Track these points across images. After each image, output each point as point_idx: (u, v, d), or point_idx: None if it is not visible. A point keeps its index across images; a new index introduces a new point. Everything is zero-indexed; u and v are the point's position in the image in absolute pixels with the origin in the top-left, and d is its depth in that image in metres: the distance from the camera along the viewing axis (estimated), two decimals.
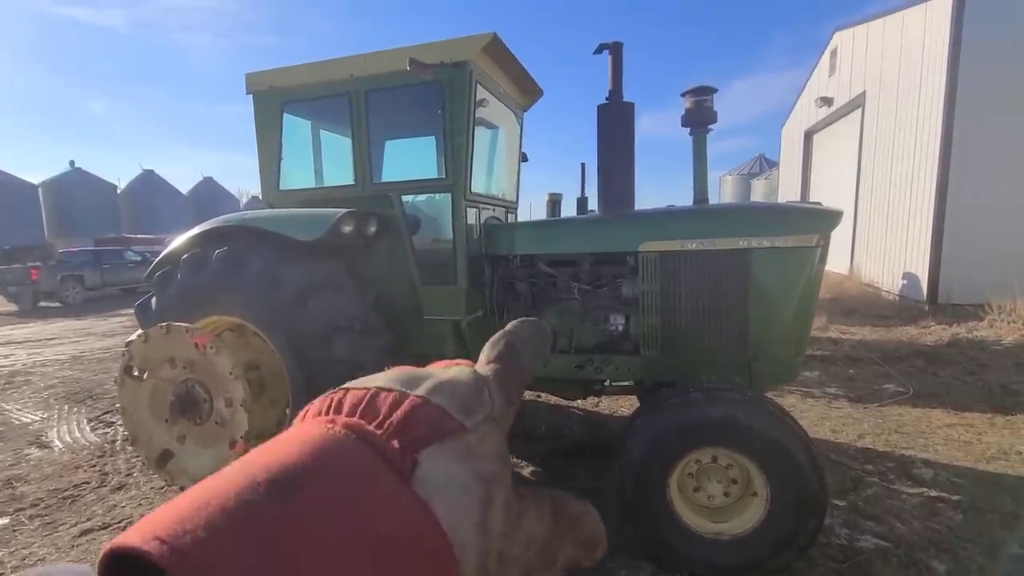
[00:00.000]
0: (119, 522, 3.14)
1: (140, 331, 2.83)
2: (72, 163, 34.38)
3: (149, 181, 37.69)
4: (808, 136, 17.80)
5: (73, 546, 2.93)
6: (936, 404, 4.88)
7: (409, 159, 4.39)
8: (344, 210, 2.98)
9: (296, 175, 3.71)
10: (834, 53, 14.76)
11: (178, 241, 3.26)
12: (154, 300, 3.18)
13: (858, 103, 12.93)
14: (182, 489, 3.09)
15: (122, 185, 37.30)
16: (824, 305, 10.31)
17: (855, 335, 7.90)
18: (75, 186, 33.17)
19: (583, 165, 5.37)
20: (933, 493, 3.28)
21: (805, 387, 5.57)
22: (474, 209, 3.45)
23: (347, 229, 3.06)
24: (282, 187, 3.60)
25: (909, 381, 5.57)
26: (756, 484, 2.43)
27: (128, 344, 2.84)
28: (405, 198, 3.47)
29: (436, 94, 3.14)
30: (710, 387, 2.51)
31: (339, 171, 3.57)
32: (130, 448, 4.11)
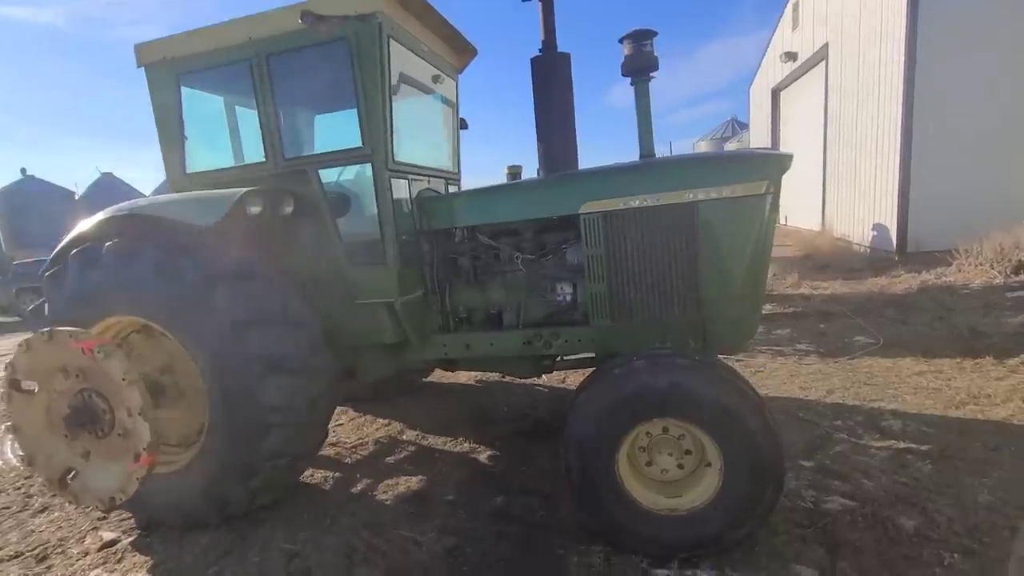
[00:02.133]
0: (33, 549, 2.86)
1: (22, 341, 2.52)
2: (23, 171, 32.78)
3: (110, 185, 35.97)
4: (775, 94, 17.62)
5: None
6: (906, 353, 4.79)
7: (344, 132, 4.05)
8: (244, 190, 2.67)
9: (209, 156, 3.37)
10: (796, 7, 14.49)
11: (68, 236, 2.92)
12: (47, 305, 2.85)
13: (822, 56, 12.73)
14: (99, 510, 2.86)
15: (80, 191, 35.80)
16: (796, 262, 10.26)
17: (826, 290, 7.82)
18: (30, 195, 31.67)
19: None
20: (902, 445, 3.15)
21: (776, 345, 5.45)
22: (402, 181, 3.15)
23: (254, 210, 2.75)
24: (189, 169, 3.26)
25: (879, 332, 5.48)
26: (710, 454, 2.24)
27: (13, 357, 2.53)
28: (329, 175, 3.16)
29: (343, 53, 2.81)
30: (654, 354, 2.30)
31: (256, 148, 3.22)
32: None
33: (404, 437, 3.95)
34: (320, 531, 2.77)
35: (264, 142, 3.03)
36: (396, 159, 3.06)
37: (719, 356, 3.92)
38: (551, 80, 3.24)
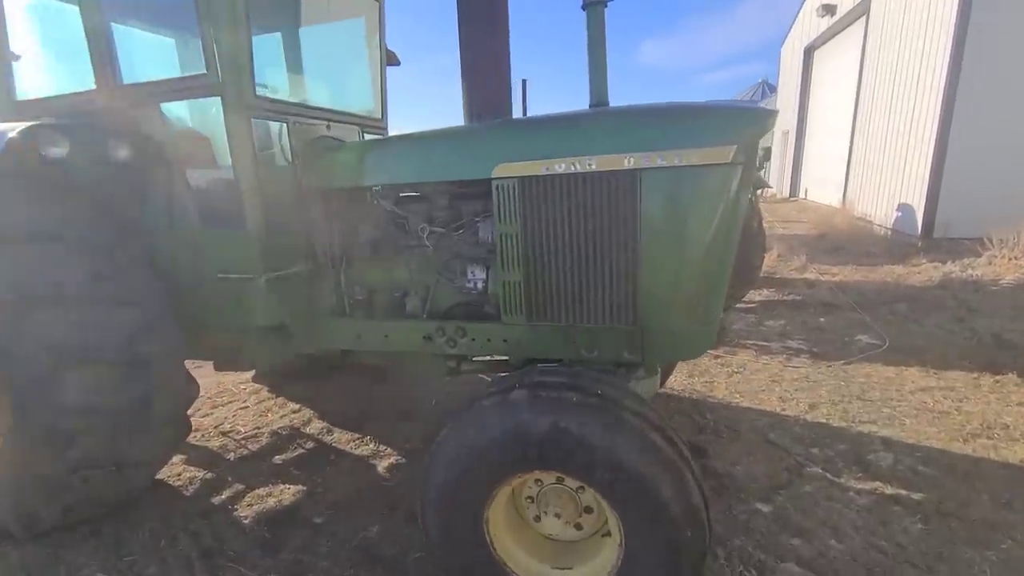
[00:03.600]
0: None
1: None
2: None
3: None
4: (808, 53, 16.12)
5: None
6: (913, 360, 4.09)
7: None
8: (25, 124, 2.01)
9: (45, 80, 2.69)
10: None
11: None
12: None
13: (863, 9, 11.34)
14: None
15: None
16: (808, 242, 9.40)
17: (835, 276, 7.03)
18: None
19: (524, 82, 4.26)
20: (888, 490, 2.53)
21: (763, 340, 4.77)
22: (277, 123, 2.46)
23: (57, 152, 2.10)
24: (19, 97, 2.60)
25: (887, 331, 4.77)
26: (610, 522, 1.64)
27: None
28: (182, 111, 2.49)
29: None
30: (543, 380, 1.67)
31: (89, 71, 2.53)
32: None
33: (308, 429, 3.42)
34: (149, 554, 2.26)
35: (93, 63, 2.34)
36: (265, 94, 2.37)
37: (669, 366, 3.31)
38: (481, 5, 2.48)
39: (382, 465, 2.95)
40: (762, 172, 12.63)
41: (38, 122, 2.06)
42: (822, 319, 5.30)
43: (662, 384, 3.42)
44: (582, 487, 1.69)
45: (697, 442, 2.97)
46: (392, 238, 2.65)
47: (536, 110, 2.71)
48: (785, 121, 17.72)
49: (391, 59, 3.39)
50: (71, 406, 2.03)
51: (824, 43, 14.96)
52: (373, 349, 2.63)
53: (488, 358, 2.60)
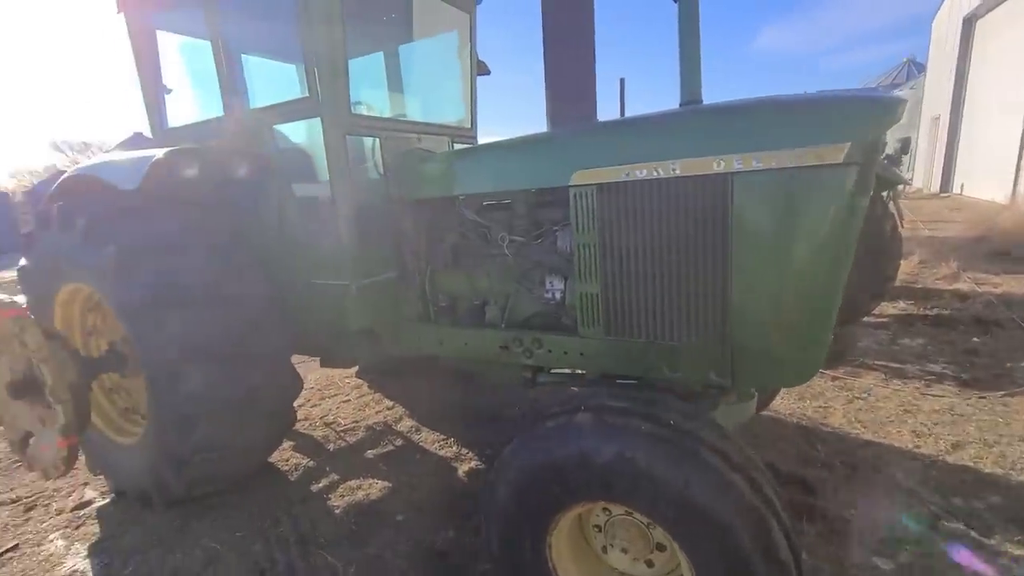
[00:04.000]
0: (30, 497, 3.00)
1: None
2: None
3: (135, 143, 33.77)
4: (968, 24, 13.75)
5: None
6: None
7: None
8: (165, 150, 2.32)
9: (188, 110, 3.11)
10: None
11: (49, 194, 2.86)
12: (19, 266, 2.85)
13: None
14: (46, 475, 2.84)
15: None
16: (962, 245, 8.01)
17: (996, 287, 5.90)
18: None
19: (622, 81, 4.13)
20: None
21: (897, 361, 4.13)
22: (370, 139, 2.61)
23: (190, 173, 2.41)
24: (170, 124, 3.03)
25: None
26: (682, 565, 1.49)
27: None
28: (291, 132, 2.74)
29: None
30: (610, 404, 1.56)
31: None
32: None
33: (399, 426, 3.59)
34: (254, 533, 2.52)
35: (222, 92, 2.66)
36: (360, 111, 2.52)
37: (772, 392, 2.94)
38: (567, 5, 2.43)
39: (463, 469, 3.00)
40: (902, 168, 11.00)
41: (176, 147, 2.37)
42: (976, 339, 4.47)
43: (763, 408, 3.09)
44: (652, 523, 1.57)
45: (803, 476, 2.64)
46: (474, 247, 2.68)
47: (636, 110, 2.58)
48: (936, 105, 15.32)
49: (481, 69, 3.45)
50: (193, 395, 2.32)
51: (990, 10, 12.66)
52: (453, 355, 2.69)
53: (565, 371, 2.53)
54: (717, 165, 1.79)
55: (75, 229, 2.37)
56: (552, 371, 2.54)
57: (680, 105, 2.23)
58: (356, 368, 4.49)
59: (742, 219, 1.79)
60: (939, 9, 16.11)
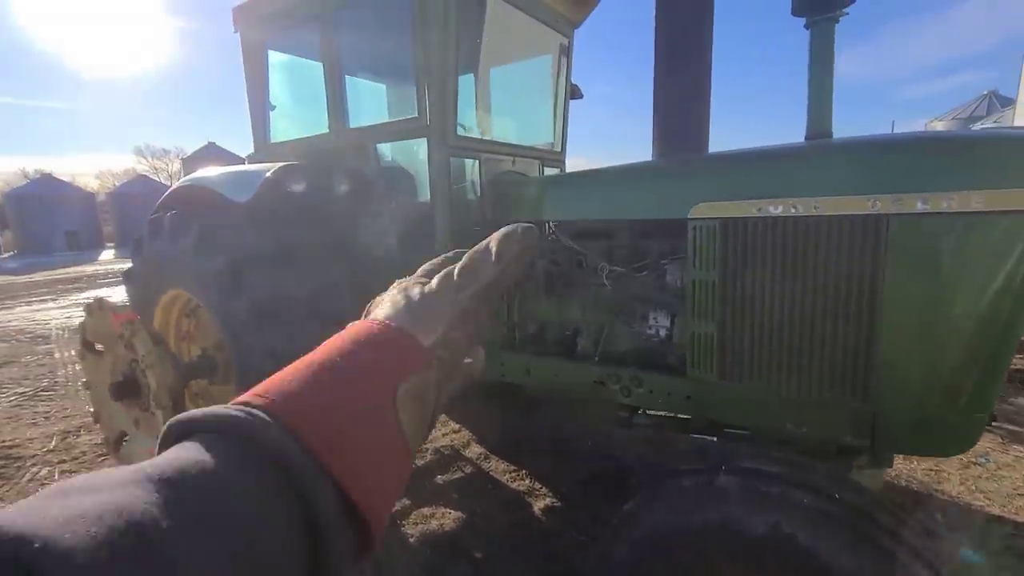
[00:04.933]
0: None
1: (86, 304, 2.60)
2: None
3: (211, 152, 30.95)
4: None
5: None
6: None
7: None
8: (277, 165, 2.36)
9: (291, 126, 3.20)
10: None
11: (158, 203, 2.98)
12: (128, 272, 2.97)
13: None
14: None
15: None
16: None
17: None
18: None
19: None
20: None
21: (1013, 423, 3.71)
22: (472, 160, 2.58)
23: (297, 188, 2.44)
24: (273, 140, 3.12)
25: None
26: None
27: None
28: (396, 152, 2.75)
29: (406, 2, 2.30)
30: (759, 468, 1.40)
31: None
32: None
33: (467, 452, 3.50)
34: None
35: (328, 110, 2.71)
36: (464, 133, 2.50)
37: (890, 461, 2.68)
38: (682, 22, 2.34)
39: (538, 505, 2.86)
40: None
41: (286, 163, 2.42)
42: None
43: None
44: None
45: (930, 552, 2.34)
46: (568, 274, 2.58)
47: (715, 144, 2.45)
48: None
49: (574, 93, 3.40)
50: None
51: None
52: (541, 386, 2.58)
53: (666, 414, 2.37)
54: (871, 205, 1.62)
55: (187, 238, 2.44)
56: (649, 412, 2.39)
57: (806, 139, 2.08)
58: None
59: (898, 266, 1.61)
60: None
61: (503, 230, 0.57)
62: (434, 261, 0.63)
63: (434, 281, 0.54)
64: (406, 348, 0.47)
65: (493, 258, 0.54)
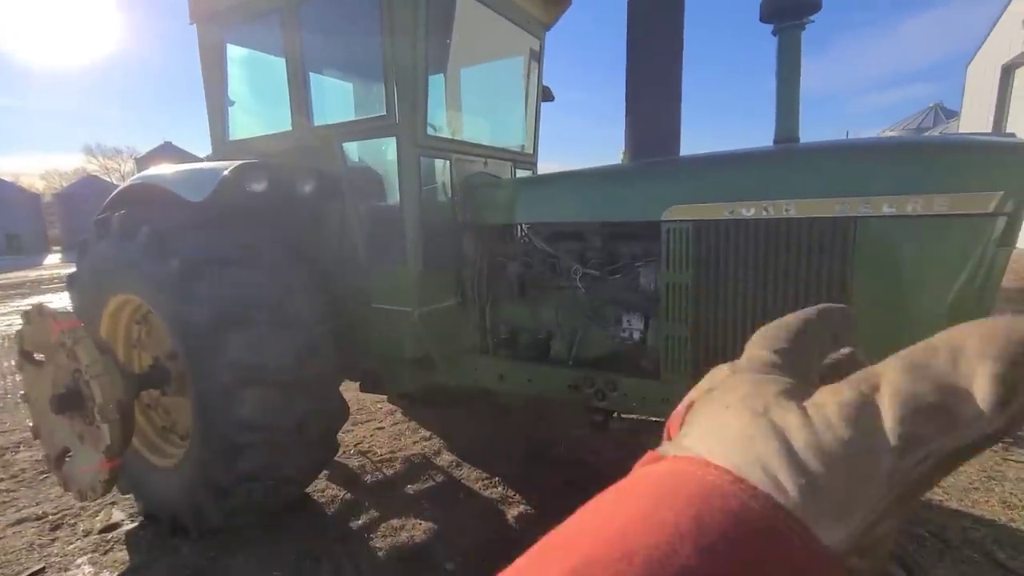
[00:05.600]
0: (57, 514, 2.86)
1: (24, 311, 2.41)
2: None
3: (166, 152, 30.46)
4: (1008, 72, 13.67)
5: None
6: None
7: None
8: (236, 163, 2.24)
9: (251, 123, 3.06)
10: None
11: (106, 202, 2.80)
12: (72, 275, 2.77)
13: None
14: (82, 497, 2.66)
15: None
16: (1013, 297, 7.71)
17: None
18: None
19: None
20: None
21: None
22: (442, 161, 2.52)
23: (257, 188, 2.32)
24: (232, 137, 2.98)
25: None
26: None
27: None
28: (362, 151, 2.66)
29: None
30: None
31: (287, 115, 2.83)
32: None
33: (439, 460, 3.41)
34: (292, 574, 2.33)
35: (291, 107, 2.60)
36: (434, 133, 2.44)
37: None
38: (653, 23, 2.34)
39: (511, 513, 2.80)
40: None
41: (245, 161, 2.30)
42: None
43: None
44: None
45: (896, 554, 2.40)
46: (541, 277, 2.55)
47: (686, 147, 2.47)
48: None
49: (546, 95, 3.38)
50: (244, 421, 2.18)
51: None
52: (515, 391, 2.53)
53: (641, 418, 2.35)
54: (839, 207, 1.65)
55: (137, 239, 2.29)
56: (624, 416, 2.37)
57: (775, 142, 2.10)
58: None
59: (865, 266, 1.64)
60: (974, 56, 16.08)
61: (995, 327, 0.22)
62: (780, 330, 0.32)
63: (835, 413, 0.24)
64: (792, 552, 0.22)
65: (991, 395, 0.21)
